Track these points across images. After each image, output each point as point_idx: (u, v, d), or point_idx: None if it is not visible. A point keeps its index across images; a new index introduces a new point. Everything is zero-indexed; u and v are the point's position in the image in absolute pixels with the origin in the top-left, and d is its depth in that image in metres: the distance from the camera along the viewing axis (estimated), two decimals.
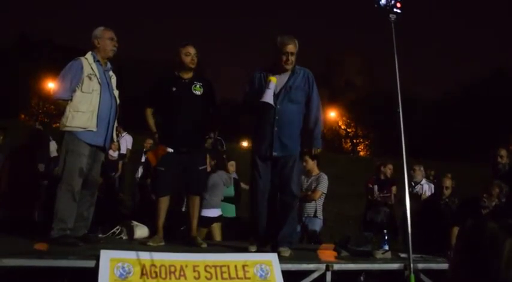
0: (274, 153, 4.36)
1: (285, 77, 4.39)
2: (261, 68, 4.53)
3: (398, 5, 3.36)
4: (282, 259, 4.07)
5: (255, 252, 4.30)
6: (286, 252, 4.30)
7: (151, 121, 4.76)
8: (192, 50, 4.66)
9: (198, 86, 4.68)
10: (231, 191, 6.61)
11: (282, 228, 4.43)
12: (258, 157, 4.44)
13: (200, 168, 4.74)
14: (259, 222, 4.49)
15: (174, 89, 4.61)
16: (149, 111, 4.76)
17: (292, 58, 4.34)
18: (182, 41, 4.75)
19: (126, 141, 11.41)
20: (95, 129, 4.19)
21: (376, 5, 3.37)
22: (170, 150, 4.56)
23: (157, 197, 4.69)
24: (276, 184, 4.50)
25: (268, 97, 4.20)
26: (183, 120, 4.56)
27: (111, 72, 4.51)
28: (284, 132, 4.34)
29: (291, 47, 4.33)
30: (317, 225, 6.25)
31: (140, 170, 9.60)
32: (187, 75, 4.70)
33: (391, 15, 3.37)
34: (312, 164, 6.36)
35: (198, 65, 4.80)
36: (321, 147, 4.55)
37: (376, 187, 6.93)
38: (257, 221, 4.50)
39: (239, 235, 5.80)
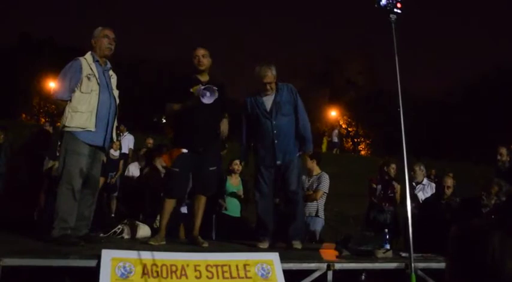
0: (278, 162, 4.89)
1: (272, 96, 4.97)
2: (250, 94, 5.12)
3: (399, 5, 3.36)
4: (293, 254, 4.39)
5: (265, 249, 4.57)
6: (299, 244, 4.83)
7: (175, 105, 4.63)
8: (199, 52, 4.69)
9: None
10: (239, 187, 6.70)
11: (291, 223, 4.95)
12: (263, 166, 4.94)
13: (210, 168, 4.74)
14: (267, 221, 4.95)
15: (191, 90, 4.63)
16: (168, 105, 4.72)
17: (271, 86, 4.92)
18: (195, 43, 4.80)
19: (128, 141, 11.42)
20: (93, 129, 4.20)
21: (376, 5, 3.36)
22: (184, 150, 4.57)
23: (167, 198, 4.66)
24: (280, 186, 5.05)
25: (202, 94, 4.34)
26: (198, 122, 4.57)
27: (111, 72, 4.52)
28: (283, 143, 4.89)
29: (269, 77, 4.89)
30: (318, 224, 6.27)
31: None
32: (204, 78, 4.73)
33: (391, 15, 3.37)
34: (311, 164, 6.36)
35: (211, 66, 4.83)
36: (311, 150, 5.18)
37: (379, 187, 6.90)
38: (264, 220, 4.96)
39: (243, 235, 5.83)
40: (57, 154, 6.20)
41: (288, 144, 4.91)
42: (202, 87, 4.36)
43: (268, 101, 4.95)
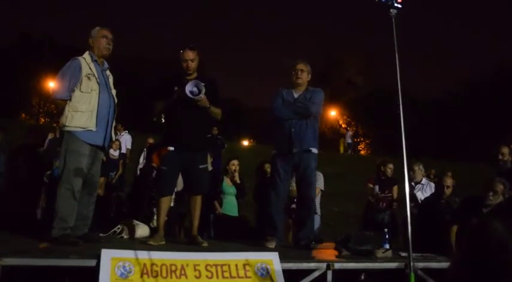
0: (295, 150, 4.96)
1: (298, 94, 5.13)
2: (284, 86, 5.26)
3: None
4: (293, 253, 4.46)
5: (273, 248, 4.60)
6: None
7: (160, 102, 4.69)
8: (188, 56, 4.66)
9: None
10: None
11: (302, 229, 5.09)
12: (279, 159, 5.04)
13: (200, 167, 4.73)
14: (278, 222, 5.05)
15: (176, 88, 4.63)
16: (155, 103, 4.78)
17: (301, 75, 5.09)
18: (186, 44, 4.76)
19: (126, 141, 11.40)
20: (94, 129, 4.19)
21: (376, 0, 3.33)
22: (171, 148, 4.59)
23: (159, 197, 4.71)
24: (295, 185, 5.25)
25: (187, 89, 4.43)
26: (185, 119, 4.56)
27: (108, 72, 4.52)
28: (299, 132, 4.98)
29: (300, 66, 5.12)
30: (316, 222, 6.33)
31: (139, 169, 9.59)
32: (191, 76, 4.73)
33: (391, 11, 3.33)
34: None
35: (202, 65, 4.84)
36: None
37: (376, 187, 6.90)
38: (276, 221, 5.04)
39: (241, 234, 5.83)
40: None
41: (304, 135, 4.98)
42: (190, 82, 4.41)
43: (296, 95, 5.12)
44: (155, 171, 5.84)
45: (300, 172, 5.05)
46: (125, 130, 11.74)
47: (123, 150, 10.92)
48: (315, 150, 5.07)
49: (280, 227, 5.09)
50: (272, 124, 5.24)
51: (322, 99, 5.17)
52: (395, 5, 3.34)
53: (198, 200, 4.76)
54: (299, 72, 5.09)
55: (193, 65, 4.68)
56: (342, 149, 28.81)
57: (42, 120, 38.98)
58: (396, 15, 3.35)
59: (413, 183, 6.86)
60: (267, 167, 6.41)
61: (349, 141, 28.92)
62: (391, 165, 7.00)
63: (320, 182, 6.40)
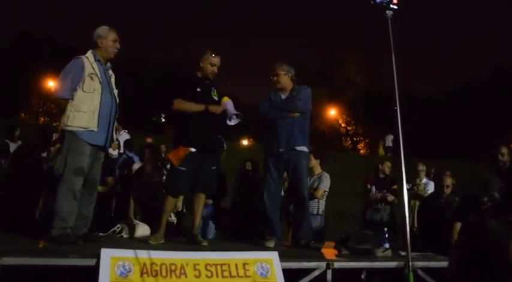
0: (281, 149, 4.97)
1: (285, 95, 5.17)
2: (273, 89, 5.31)
3: (395, 0, 3.30)
4: (292, 253, 4.49)
5: (272, 247, 4.63)
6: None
7: (188, 104, 4.64)
8: (218, 62, 4.76)
9: (215, 92, 4.80)
10: None
11: (299, 228, 5.12)
12: (270, 159, 5.06)
13: (212, 168, 4.76)
14: (275, 221, 5.06)
15: (198, 89, 4.66)
16: (179, 100, 4.70)
17: (278, 78, 5.11)
18: (212, 48, 4.79)
19: (125, 140, 11.37)
20: (96, 129, 4.18)
21: (372, 2, 3.32)
22: (193, 150, 4.56)
23: (171, 196, 4.68)
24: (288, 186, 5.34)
25: (230, 117, 4.56)
26: (204, 121, 4.58)
27: (110, 72, 4.50)
28: (287, 131, 4.99)
29: (277, 70, 5.13)
30: (317, 222, 6.29)
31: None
32: (207, 80, 4.80)
33: (387, 12, 3.31)
34: (314, 162, 6.36)
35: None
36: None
37: (373, 188, 6.93)
38: (273, 220, 5.04)
39: (248, 235, 5.82)
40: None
41: (291, 134, 5.00)
42: (233, 113, 4.52)
43: (284, 96, 5.17)
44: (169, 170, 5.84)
45: (291, 171, 5.07)
46: (123, 129, 11.71)
47: (122, 150, 10.88)
48: (304, 149, 5.08)
49: (277, 226, 5.09)
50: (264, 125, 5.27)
51: (308, 95, 5.17)
52: (391, 6, 3.31)
53: (202, 199, 4.76)
54: (275, 77, 5.14)
55: (216, 71, 4.78)
56: (381, 151, 28.69)
57: (42, 119, 39.05)
58: (392, 16, 3.33)
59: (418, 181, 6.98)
60: (248, 165, 6.92)
61: (390, 144, 28.57)
62: (388, 164, 7.07)
63: (325, 184, 6.31)
